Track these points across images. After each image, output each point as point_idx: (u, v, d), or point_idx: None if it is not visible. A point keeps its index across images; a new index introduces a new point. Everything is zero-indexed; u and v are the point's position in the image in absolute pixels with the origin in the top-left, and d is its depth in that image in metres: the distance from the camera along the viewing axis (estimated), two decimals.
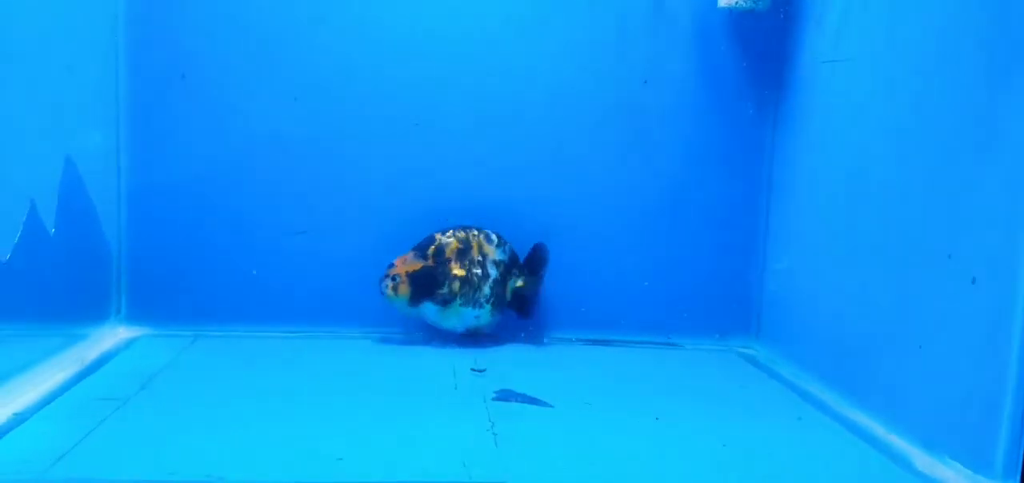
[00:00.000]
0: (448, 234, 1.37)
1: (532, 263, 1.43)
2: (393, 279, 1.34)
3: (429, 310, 1.36)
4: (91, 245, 1.33)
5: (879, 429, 1.06)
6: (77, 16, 1.27)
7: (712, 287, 1.48)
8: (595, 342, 1.45)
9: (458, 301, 1.36)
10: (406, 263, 1.35)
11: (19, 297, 1.11)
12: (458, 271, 1.35)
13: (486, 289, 1.37)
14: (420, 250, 1.36)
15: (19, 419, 0.96)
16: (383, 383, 1.18)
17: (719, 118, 1.44)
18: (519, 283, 1.41)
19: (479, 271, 1.37)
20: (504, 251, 1.40)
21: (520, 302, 1.43)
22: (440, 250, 1.36)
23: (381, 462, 0.89)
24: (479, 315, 1.38)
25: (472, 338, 1.40)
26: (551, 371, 1.28)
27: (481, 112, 1.42)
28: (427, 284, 1.34)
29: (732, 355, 1.43)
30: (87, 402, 1.04)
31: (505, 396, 1.13)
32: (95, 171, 1.31)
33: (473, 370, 1.24)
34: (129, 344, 1.32)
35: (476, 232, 1.38)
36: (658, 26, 1.42)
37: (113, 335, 1.35)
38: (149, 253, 1.39)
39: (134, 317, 1.40)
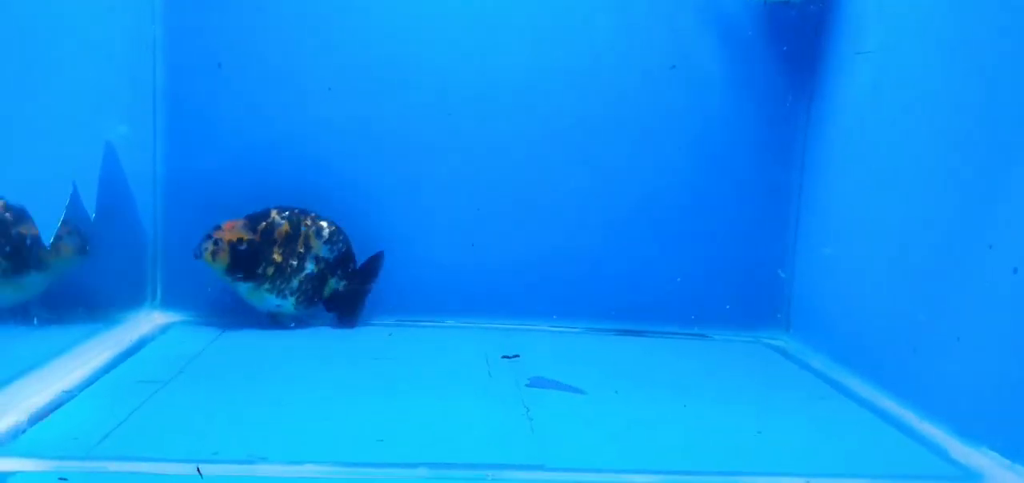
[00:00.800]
0: (284, 214, 1.34)
1: (365, 270, 1.41)
2: (215, 244, 1.28)
3: (240, 285, 1.32)
4: (128, 231, 1.35)
5: (913, 418, 1.06)
6: (116, 6, 1.29)
7: (742, 279, 1.49)
8: (625, 333, 1.46)
9: (266, 285, 1.33)
10: (233, 231, 1.29)
11: (61, 279, 1.13)
12: (276, 257, 1.32)
13: (294, 282, 1.35)
14: (252, 222, 1.31)
15: (67, 397, 0.98)
16: (417, 368, 1.19)
17: (751, 109, 1.45)
18: (339, 286, 1.40)
19: (295, 262, 1.34)
20: (333, 249, 1.38)
21: (337, 304, 1.40)
22: (269, 229, 1.32)
23: (421, 443, 0.90)
24: (281, 305, 1.35)
25: (276, 321, 1.38)
26: (582, 359, 1.29)
27: (510, 97, 1.43)
28: (247, 262, 1.30)
29: (761, 347, 1.44)
30: (128, 384, 1.05)
31: (538, 383, 1.14)
32: (132, 159, 1.33)
33: (504, 357, 1.25)
34: (164, 330, 1.34)
35: (310, 221, 1.36)
36: (690, 12, 1.42)
37: (148, 321, 1.36)
38: (184, 241, 1.40)
39: (169, 303, 1.41)
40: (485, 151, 1.43)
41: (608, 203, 1.45)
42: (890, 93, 1.19)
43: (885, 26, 1.22)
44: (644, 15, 1.42)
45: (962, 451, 0.95)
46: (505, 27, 1.42)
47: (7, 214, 1.10)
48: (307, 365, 1.19)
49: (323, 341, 1.32)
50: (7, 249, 1.09)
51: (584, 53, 1.42)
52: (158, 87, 1.38)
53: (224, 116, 1.39)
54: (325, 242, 1.37)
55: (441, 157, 1.43)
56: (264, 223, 1.32)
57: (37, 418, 0.92)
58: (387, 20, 1.40)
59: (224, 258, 1.28)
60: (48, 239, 1.09)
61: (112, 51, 1.27)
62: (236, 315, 1.40)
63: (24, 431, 0.88)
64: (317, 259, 1.36)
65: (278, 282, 1.34)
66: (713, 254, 1.48)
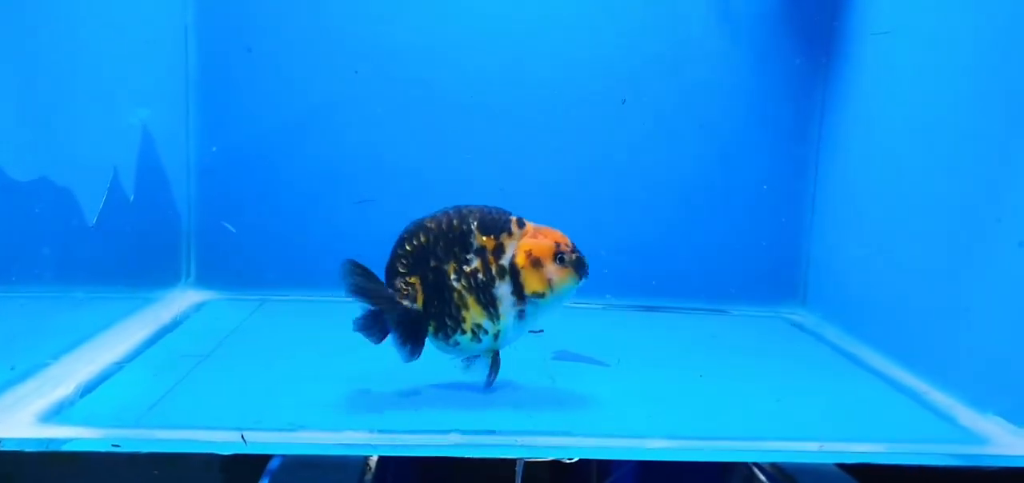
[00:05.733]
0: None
1: None
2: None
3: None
4: (163, 211, 1.39)
5: (924, 387, 1.10)
6: None
7: (759, 255, 1.52)
8: (646, 308, 1.49)
9: None
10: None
11: (102, 259, 1.17)
12: None
13: None
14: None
15: (114, 369, 1.03)
16: None
17: (769, 88, 1.47)
18: None
19: None
20: None
21: None
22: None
23: (452, 412, 0.95)
24: None
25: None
26: (604, 334, 1.33)
27: (534, 77, 1.45)
28: None
29: (779, 321, 1.47)
30: (171, 357, 1.10)
31: (563, 356, 1.17)
32: (167, 141, 1.37)
33: (531, 331, 1.28)
34: (199, 307, 1.38)
35: None
36: None
37: (183, 298, 1.41)
38: (217, 220, 1.45)
39: (203, 281, 1.46)
40: (510, 130, 1.46)
41: (629, 182, 1.48)
42: (903, 72, 1.22)
43: (899, 6, 1.25)
44: (666, 6, 1.45)
45: (970, 417, 0.99)
46: (528, 13, 1.44)
47: None
48: (341, 339, 1.22)
49: (352, 318, 1.35)
50: None
51: (606, 36, 1.45)
52: (190, 72, 1.42)
53: (254, 99, 1.43)
54: None
55: (466, 136, 1.46)
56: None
57: (87, 389, 0.97)
58: (413, 8, 1.43)
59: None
60: (91, 220, 1.13)
61: (146, 37, 1.31)
62: (267, 293, 1.44)
63: (76, 402, 0.93)
64: None
65: None
66: (731, 232, 1.50)
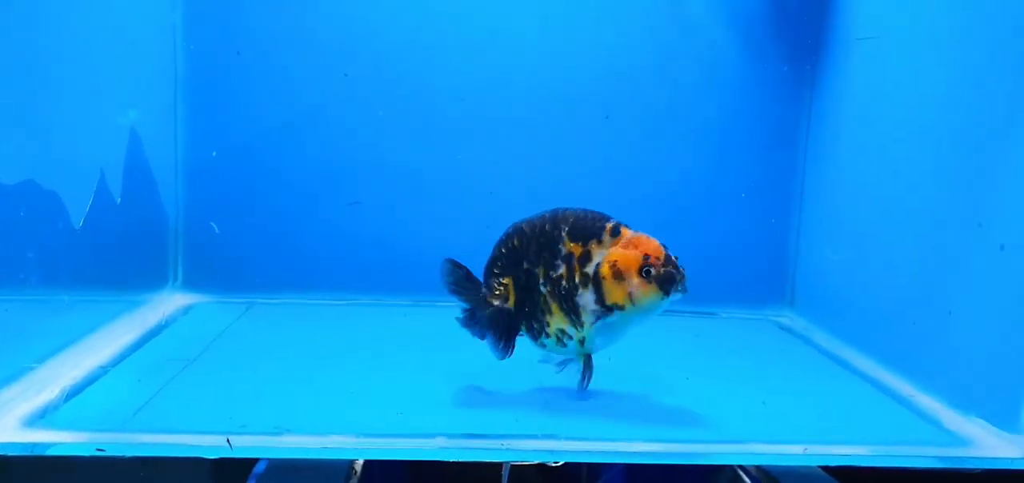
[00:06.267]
0: None
1: None
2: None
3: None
4: (151, 214, 1.39)
5: (909, 390, 1.10)
6: None
7: (747, 258, 1.52)
8: None
9: None
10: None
11: (88, 262, 1.17)
12: None
13: None
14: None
15: (100, 373, 1.03)
16: (433, 346, 1.23)
17: (757, 93, 1.48)
18: None
19: None
20: None
21: None
22: None
23: (438, 416, 0.95)
24: None
25: None
26: None
27: (522, 84, 1.46)
28: None
29: (767, 323, 1.47)
30: (157, 361, 1.10)
31: (551, 359, 1.17)
32: (155, 144, 1.36)
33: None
34: (186, 310, 1.38)
35: None
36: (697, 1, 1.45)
37: (171, 301, 1.40)
38: (204, 223, 1.45)
39: (190, 284, 1.45)
40: (498, 137, 1.46)
41: (618, 186, 1.48)
42: (888, 78, 1.23)
43: (884, 12, 1.25)
44: (650, 5, 1.45)
45: (955, 420, 1.00)
46: (517, 17, 1.45)
47: None
48: (328, 343, 1.23)
49: (342, 320, 1.36)
50: None
51: (594, 43, 1.46)
52: (179, 74, 1.42)
53: (243, 102, 1.43)
54: None
55: (455, 142, 1.46)
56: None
57: (72, 393, 0.96)
58: (403, 7, 1.43)
59: None
60: (77, 223, 1.13)
61: (134, 39, 1.30)
62: (255, 297, 1.44)
63: (61, 406, 0.93)
64: None
65: None
66: (720, 235, 1.51)
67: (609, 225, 0.95)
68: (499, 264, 1.02)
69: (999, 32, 0.98)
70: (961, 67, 1.05)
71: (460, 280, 1.03)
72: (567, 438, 0.90)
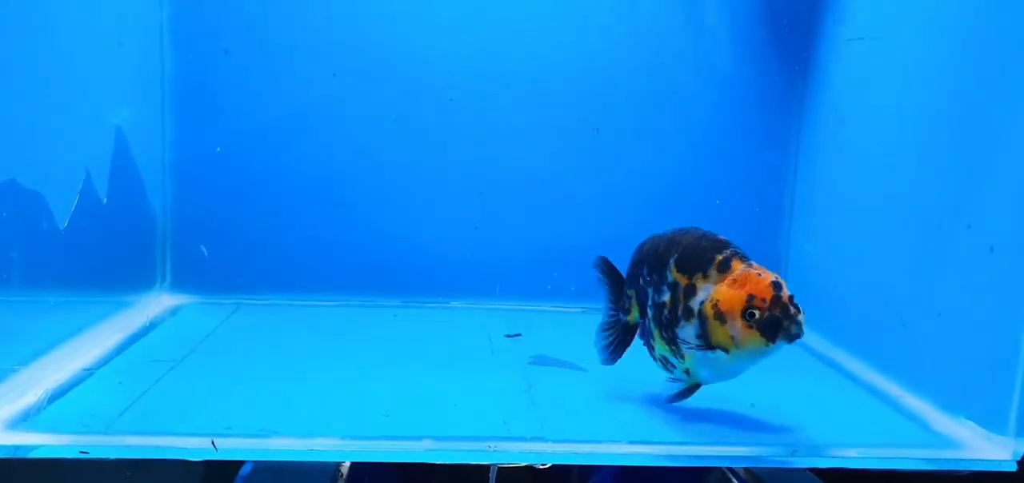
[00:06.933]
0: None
1: None
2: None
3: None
4: (138, 215, 1.38)
5: (898, 391, 1.10)
6: None
7: None
8: None
9: None
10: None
11: (73, 264, 1.16)
12: None
13: None
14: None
15: (85, 375, 1.02)
16: (422, 347, 1.23)
17: (748, 95, 1.47)
18: None
19: None
20: None
21: None
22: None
23: (426, 418, 0.94)
24: None
25: None
26: (582, 338, 1.32)
27: (512, 84, 1.45)
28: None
29: None
30: (143, 363, 1.09)
31: (540, 360, 1.17)
32: (142, 144, 1.36)
33: (508, 336, 1.28)
34: (174, 311, 1.37)
35: None
36: (686, 3, 1.45)
37: (158, 303, 1.40)
38: (192, 224, 1.44)
39: (178, 286, 1.44)
40: (488, 138, 1.46)
41: (608, 189, 1.48)
42: (878, 79, 1.23)
43: (875, 13, 1.25)
44: (641, 7, 1.45)
45: (943, 422, 0.99)
46: (509, 16, 1.44)
47: None
48: (315, 344, 1.23)
49: (330, 322, 1.35)
50: None
51: (583, 44, 1.45)
52: (166, 73, 1.41)
53: (231, 101, 1.42)
54: None
55: (446, 143, 1.45)
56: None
57: (56, 395, 0.96)
58: (393, 5, 1.42)
59: None
60: (62, 223, 1.12)
61: (120, 38, 1.30)
62: (243, 297, 1.43)
63: (45, 408, 0.92)
64: None
65: None
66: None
67: (718, 258, 0.88)
68: (630, 274, 1.01)
69: (988, 35, 0.98)
70: (951, 69, 1.05)
71: (603, 279, 1.06)
72: (554, 440, 0.90)
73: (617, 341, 1.03)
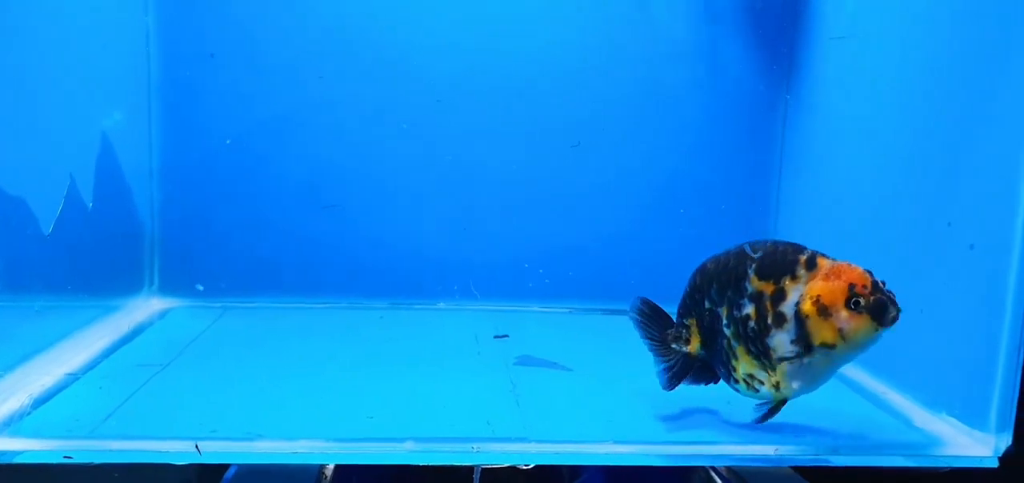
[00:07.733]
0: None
1: None
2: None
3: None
4: (125, 219, 1.38)
5: (881, 389, 1.11)
6: None
7: None
8: (611, 312, 1.49)
9: None
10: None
11: (60, 268, 1.16)
12: None
13: None
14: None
15: (69, 380, 1.02)
16: (408, 348, 1.23)
17: (733, 94, 1.48)
18: None
19: None
20: None
21: None
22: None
23: (409, 419, 0.94)
24: None
25: None
26: (569, 338, 1.33)
27: (500, 86, 1.45)
28: None
29: None
30: (128, 367, 1.09)
31: (526, 361, 1.18)
32: (128, 147, 1.36)
33: (495, 337, 1.29)
34: (162, 315, 1.37)
35: None
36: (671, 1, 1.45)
37: (146, 306, 1.40)
38: (180, 227, 1.44)
39: (166, 289, 1.44)
40: (475, 139, 1.46)
41: (591, 188, 1.48)
42: (861, 78, 1.23)
43: (860, 12, 1.25)
44: (626, 8, 1.45)
45: (925, 418, 1.00)
46: (495, 18, 1.44)
47: None
48: (303, 347, 1.23)
49: (317, 324, 1.35)
50: None
51: (568, 46, 1.45)
52: (152, 77, 1.40)
53: (217, 105, 1.42)
54: None
55: (433, 145, 1.45)
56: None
57: (41, 401, 0.96)
58: (380, 8, 1.42)
59: None
60: (46, 229, 1.12)
61: (105, 42, 1.30)
62: (231, 299, 1.43)
63: (28, 413, 0.92)
64: None
65: None
66: (696, 235, 1.50)
67: (803, 257, 0.85)
68: (685, 303, 0.96)
69: (970, 33, 0.99)
70: (934, 67, 1.06)
71: (646, 320, 0.99)
72: (538, 441, 0.90)
73: (679, 370, 0.98)
